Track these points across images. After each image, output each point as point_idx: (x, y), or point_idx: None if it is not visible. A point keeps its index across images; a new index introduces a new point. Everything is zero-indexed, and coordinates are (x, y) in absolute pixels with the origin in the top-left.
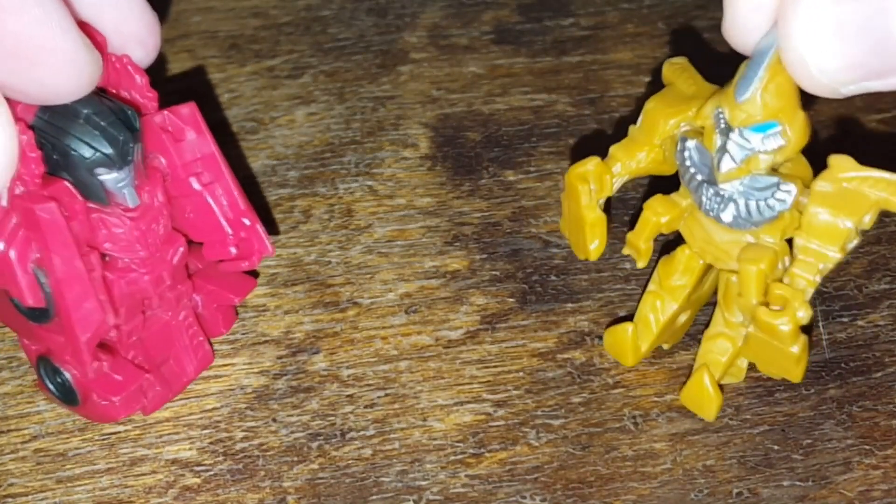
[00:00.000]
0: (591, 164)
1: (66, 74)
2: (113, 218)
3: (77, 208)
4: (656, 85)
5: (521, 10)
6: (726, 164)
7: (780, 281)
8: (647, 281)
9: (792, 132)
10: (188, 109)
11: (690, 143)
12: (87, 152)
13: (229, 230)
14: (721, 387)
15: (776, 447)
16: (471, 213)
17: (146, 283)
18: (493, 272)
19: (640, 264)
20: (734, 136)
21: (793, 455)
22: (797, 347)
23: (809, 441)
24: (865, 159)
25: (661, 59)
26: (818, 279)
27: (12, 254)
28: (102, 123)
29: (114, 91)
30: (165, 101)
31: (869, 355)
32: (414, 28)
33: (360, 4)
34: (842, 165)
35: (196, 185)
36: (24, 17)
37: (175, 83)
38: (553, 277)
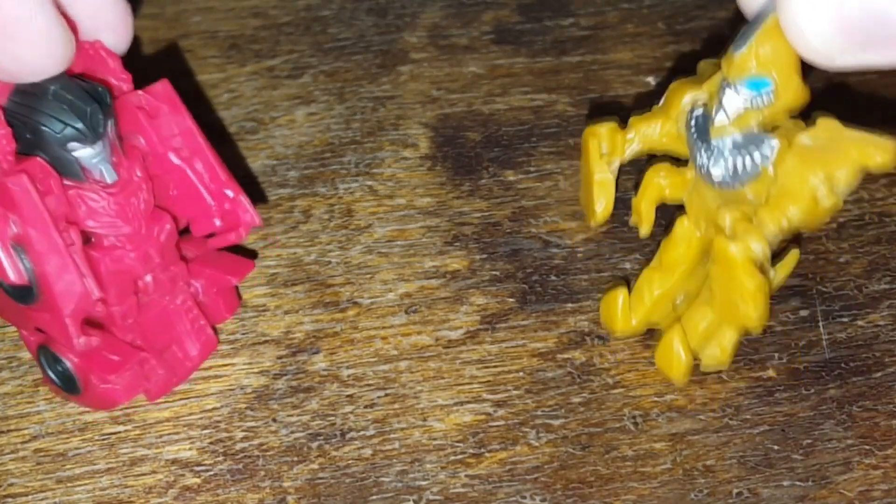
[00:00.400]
0: (606, 124)
1: (41, 49)
2: (91, 194)
3: (52, 184)
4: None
5: (521, 10)
6: (720, 117)
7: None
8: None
9: (784, 92)
10: (162, 86)
11: (698, 111)
12: (56, 127)
13: (211, 201)
14: (709, 366)
15: (776, 447)
16: (471, 213)
17: (133, 260)
18: (493, 272)
19: (643, 232)
20: (729, 90)
21: (793, 455)
22: (752, 283)
23: (809, 441)
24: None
25: (662, 59)
26: (776, 228)
27: None
28: (70, 97)
29: (88, 76)
30: None
31: (869, 355)
32: (414, 28)
33: (360, 4)
34: (827, 124)
35: (175, 160)
36: None
37: (175, 83)
38: (553, 277)
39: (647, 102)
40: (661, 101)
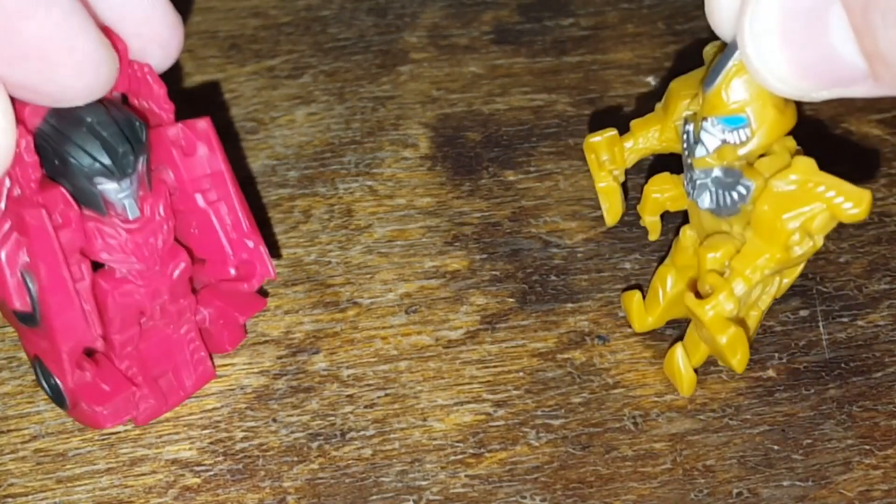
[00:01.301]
0: (603, 135)
1: (84, 74)
2: (109, 228)
3: (71, 216)
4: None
5: (521, 10)
6: (699, 151)
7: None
8: (650, 276)
9: (759, 129)
10: (203, 124)
11: (689, 126)
12: (85, 161)
13: (230, 251)
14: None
15: (776, 447)
16: (471, 213)
17: (142, 295)
18: (493, 272)
19: (651, 237)
20: (706, 124)
21: (793, 455)
22: (725, 338)
23: (809, 441)
24: (854, 161)
25: (662, 59)
26: (754, 276)
27: (2, 255)
28: (104, 134)
29: (134, 100)
30: None
31: (869, 355)
32: (414, 28)
33: (360, 4)
34: (801, 167)
35: (201, 203)
36: (45, 20)
37: (175, 84)
38: (553, 277)
39: (647, 103)
40: (662, 100)
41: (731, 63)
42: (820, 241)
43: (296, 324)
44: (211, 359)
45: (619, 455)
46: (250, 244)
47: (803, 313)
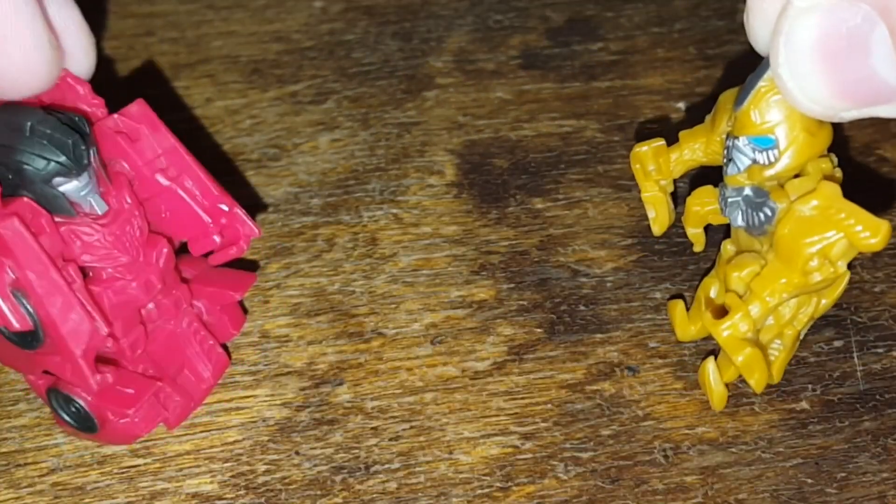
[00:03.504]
0: (649, 145)
1: (26, 68)
2: (84, 227)
3: (43, 223)
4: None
5: (549, 34)
6: (731, 169)
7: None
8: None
9: (787, 150)
10: (138, 107)
11: (729, 142)
12: (39, 164)
13: (208, 218)
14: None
15: (810, 480)
16: (498, 241)
17: (135, 289)
18: (521, 302)
19: (696, 248)
20: (737, 143)
21: (826, 489)
22: (741, 358)
23: (844, 474)
24: (887, 188)
25: (693, 85)
26: (772, 298)
27: None
28: (48, 131)
29: (58, 105)
30: (183, 129)
31: None
32: (440, 53)
33: (385, 29)
34: (824, 193)
35: (163, 181)
36: None
37: (196, 109)
38: (582, 307)
39: (678, 128)
40: (712, 112)
41: (760, 82)
42: (842, 268)
43: (319, 354)
44: (225, 346)
45: (650, 489)
46: (225, 207)
47: (837, 344)
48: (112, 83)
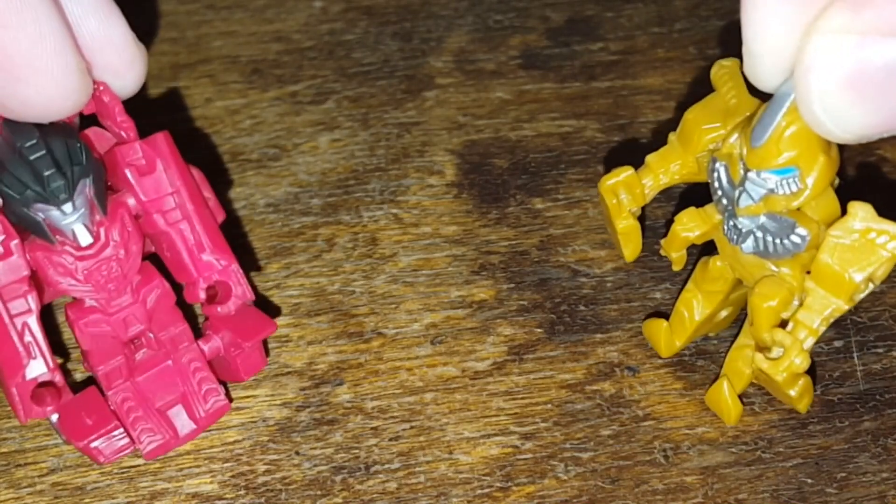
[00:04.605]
0: (621, 174)
1: (52, 96)
2: (57, 257)
3: (10, 246)
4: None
5: (549, 34)
6: (744, 202)
7: (790, 318)
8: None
9: (810, 178)
10: (160, 139)
11: (720, 165)
12: (17, 188)
13: (194, 272)
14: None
15: (810, 480)
16: (498, 241)
17: (110, 324)
18: (521, 302)
19: (675, 268)
20: (752, 175)
21: (827, 489)
22: (795, 391)
23: (844, 474)
24: (889, 189)
25: (693, 85)
26: (822, 328)
27: None
28: (31, 158)
29: (105, 121)
30: (183, 129)
31: None
32: (440, 53)
33: (385, 29)
34: (859, 214)
35: (161, 224)
36: (19, 33)
37: (196, 109)
38: (582, 307)
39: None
40: (676, 131)
41: (779, 117)
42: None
43: (319, 354)
44: (226, 388)
45: (650, 489)
46: (222, 263)
47: (837, 344)
48: None
